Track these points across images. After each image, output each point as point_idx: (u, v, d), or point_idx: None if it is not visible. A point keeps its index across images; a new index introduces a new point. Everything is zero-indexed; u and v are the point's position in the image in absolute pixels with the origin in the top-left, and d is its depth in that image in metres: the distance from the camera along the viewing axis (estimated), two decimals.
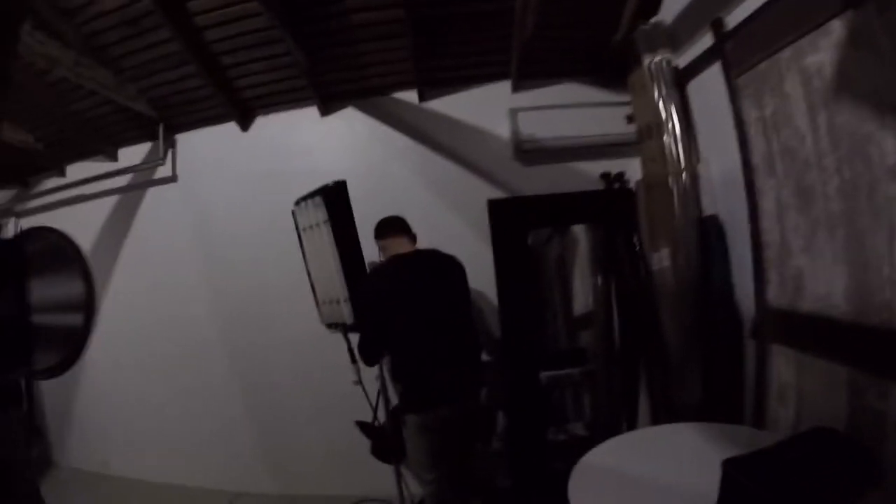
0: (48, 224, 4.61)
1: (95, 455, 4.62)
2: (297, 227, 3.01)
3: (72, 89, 3.72)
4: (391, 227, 2.68)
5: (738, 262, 2.58)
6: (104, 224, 4.46)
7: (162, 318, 4.23)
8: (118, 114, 3.99)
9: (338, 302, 2.71)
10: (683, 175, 2.74)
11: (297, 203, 2.90)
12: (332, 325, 2.92)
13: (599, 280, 3.38)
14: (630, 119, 3.37)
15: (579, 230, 3.58)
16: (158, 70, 3.54)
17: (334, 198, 2.63)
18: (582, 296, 3.61)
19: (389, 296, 2.44)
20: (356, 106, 3.76)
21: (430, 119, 3.67)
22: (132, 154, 4.32)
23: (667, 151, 2.80)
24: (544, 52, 3.35)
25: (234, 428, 4.04)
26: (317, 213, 2.67)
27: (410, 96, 3.68)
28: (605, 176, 3.36)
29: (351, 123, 3.78)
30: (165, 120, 4.00)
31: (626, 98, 3.36)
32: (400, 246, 2.61)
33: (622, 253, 3.18)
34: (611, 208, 3.26)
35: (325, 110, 3.78)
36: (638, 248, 3.15)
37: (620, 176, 3.34)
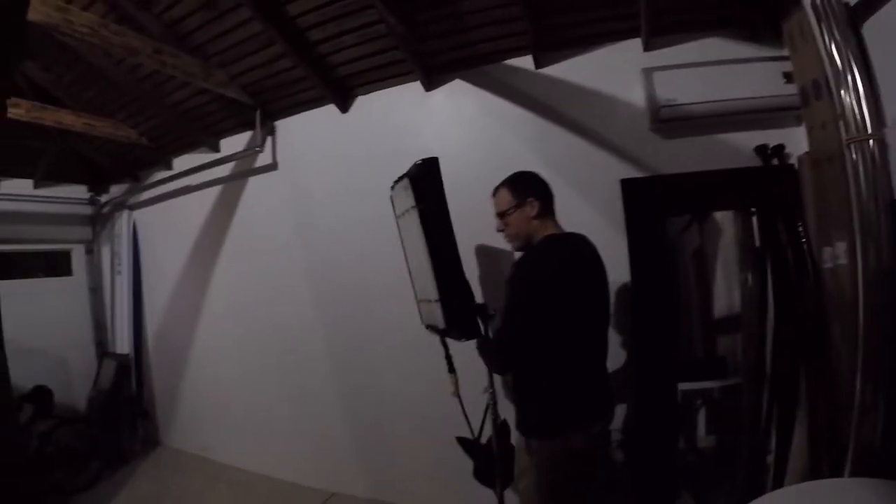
0: (158, 217, 5.11)
1: (197, 439, 5.00)
2: (395, 214, 2.85)
3: (165, 81, 3.95)
4: (551, 198, 2.30)
5: None
6: (209, 215, 4.74)
7: (265, 311, 4.42)
8: (214, 103, 4.19)
9: (431, 301, 2.48)
10: (869, 144, 2.21)
11: (393, 186, 2.72)
12: (430, 327, 2.73)
13: (750, 278, 2.98)
14: (789, 77, 2.84)
15: (722, 218, 3.17)
16: (246, 53, 3.63)
17: (423, 178, 2.35)
18: (724, 296, 3.20)
19: (564, 283, 2.04)
20: (463, 77, 3.59)
21: (548, 87, 3.37)
22: (234, 144, 4.54)
23: (843, 114, 2.29)
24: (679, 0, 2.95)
25: (333, 428, 4.10)
26: (407, 198, 2.45)
27: (525, 62, 3.41)
28: (761, 149, 2.89)
29: (458, 97, 3.62)
30: (262, 106, 4.12)
31: (782, 52, 2.87)
32: (554, 225, 2.25)
33: (782, 246, 2.73)
34: (769, 190, 2.80)
35: (430, 84, 3.66)
36: (804, 240, 2.67)
37: (780, 149, 2.86)
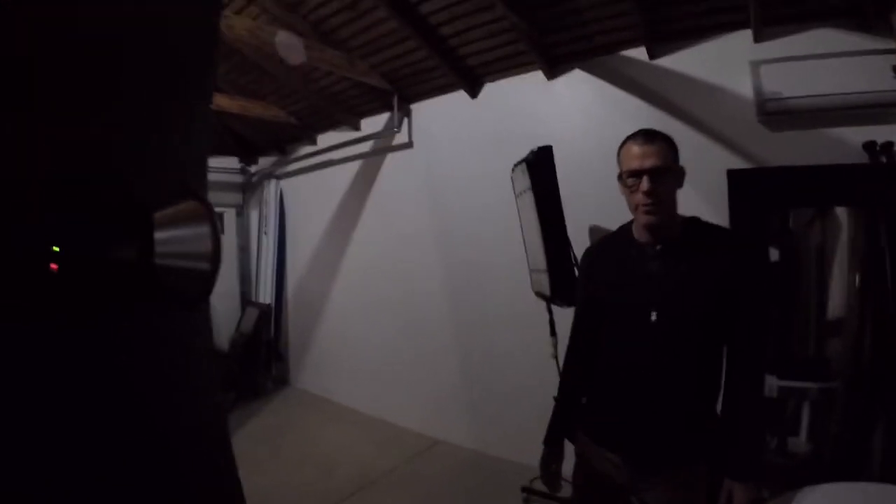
0: (303, 187, 5.82)
1: (322, 381, 5.78)
2: (514, 192, 3.25)
3: (312, 70, 4.59)
4: None
5: None
6: (349, 187, 5.40)
7: (395, 277, 5.03)
8: (356, 88, 4.79)
9: (540, 271, 2.91)
10: None
11: (514, 168, 3.12)
12: (539, 294, 3.11)
13: (857, 279, 2.96)
14: None
15: (843, 213, 3.13)
16: (384, 46, 4.13)
17: (538, 164, 2.80)
18: (839, 295, 3.17)
19: None
20: (582, 67, 3.83)
21: (661, 78, 3.52)
22: (373, 123, 5.14)
23: None
24: None
25: (446, 382, 4.61)
26: (525, 180, 2.87)
27: (639, 53, 3.58)
28: (870, 146, 2.86)
29: (577, 86, 3.86)
30: (399, 91, 4.63)
31: (893, 45, 2.80)
32: None
33: (886, 247, 2.73)
34: (874, 188, 2.80)
35: (551, 74, 3.94)
36: None
37: (889, 146, 2.83)
